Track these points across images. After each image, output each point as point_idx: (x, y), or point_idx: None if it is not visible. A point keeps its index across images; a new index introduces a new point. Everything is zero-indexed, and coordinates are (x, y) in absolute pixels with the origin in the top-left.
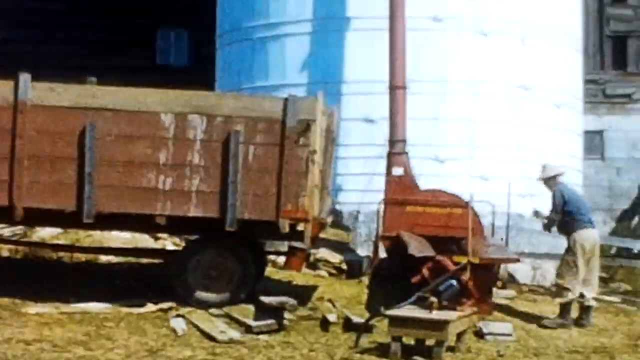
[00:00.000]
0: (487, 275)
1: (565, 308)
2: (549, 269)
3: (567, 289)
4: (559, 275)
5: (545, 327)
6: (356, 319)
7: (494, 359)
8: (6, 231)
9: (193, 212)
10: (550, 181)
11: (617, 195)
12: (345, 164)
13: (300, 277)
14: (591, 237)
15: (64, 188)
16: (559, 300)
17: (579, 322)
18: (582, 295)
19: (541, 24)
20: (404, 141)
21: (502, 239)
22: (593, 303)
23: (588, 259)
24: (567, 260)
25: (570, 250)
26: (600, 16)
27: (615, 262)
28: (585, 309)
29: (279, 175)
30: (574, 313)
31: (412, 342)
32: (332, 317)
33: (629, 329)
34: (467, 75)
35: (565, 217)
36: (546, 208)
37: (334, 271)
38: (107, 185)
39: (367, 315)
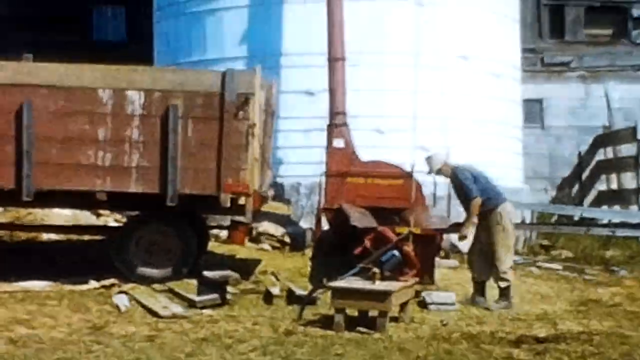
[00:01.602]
0: (429, 245)
1: (507, 290)
2: None
3: (506, 273)
4: (499, 260)
5: (491, 310)
6: (299, 291)
7: (438, 328)
8: None
9: (133, 188)
10: (442, 169)
11: (557, 163)
12: (286, 137)
13: (243, 250)
14: (513, 210)
15: (2, 166)
16: (501, 284)
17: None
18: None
19: None
20: (344, 113)
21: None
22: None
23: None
24: (506, 244)
25: (501, 227)
26: None
27: (557, 229)
28: (482, 286)
29: (219, 150)
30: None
31: (356, 313)
32: (275, 290)
33: (571, 295)
34: (406, 46)
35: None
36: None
37: (276, 244)
38: (45, 163)
39: (310, 287)
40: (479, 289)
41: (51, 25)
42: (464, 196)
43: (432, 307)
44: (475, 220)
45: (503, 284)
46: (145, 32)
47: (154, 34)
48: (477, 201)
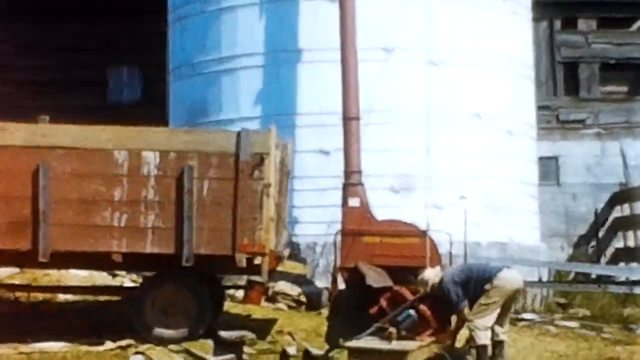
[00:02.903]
0: (445, 304)
1: (481, 351)
2: None
3: (476, 332)
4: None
5: None
6: (316, 351)
7: None
8: None
9: (149, 248)
10: (437, 285)
11: (573, 221)
12: (301, 196)
13: (260, 310)
14: (513, 277)
15: (19, 227)
16: (472, 344)
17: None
18: (493, 331)
19: (492, 52)
20: (359, 172)
21: None
22: (504, 337)
23: (508, 302)
24: (484, 303)
25: (487, 294)
26: (551, 42)
27: (573, 287)
28: (497, 345)
29: (234, 209)
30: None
31: None
32: (291, 350)
33: (589, 354)
34: (419, 105)
35: (470, 284)
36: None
37: (293, 304)
38: (62, 224)
39: (326, 347)
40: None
41: (67, 89)
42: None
43: None
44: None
45: (472, 342)
46: (160, 94)
47: (168, 95)
48: (464, 312)
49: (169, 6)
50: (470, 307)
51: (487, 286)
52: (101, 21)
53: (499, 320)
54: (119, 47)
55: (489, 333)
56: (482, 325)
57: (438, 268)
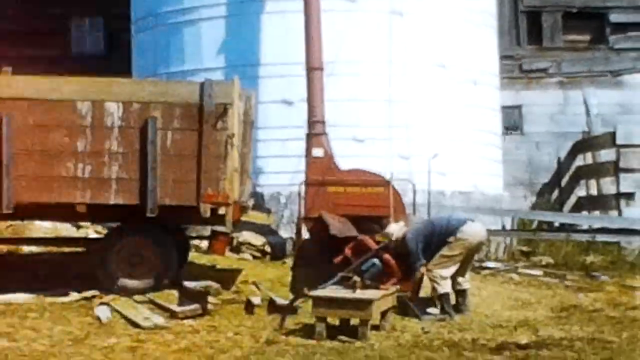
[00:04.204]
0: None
1: (443, 300)
2: None
3: (436, 282)
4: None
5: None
6: (280, 301)
7: (419, 336)
8: None
9: (113, 199)
10: (400, 240)
11: (537, 170)
12: (265, 147)
13: (224, 260)
14: (477, 230)
15: None
16: (434, 294)
17: (457, 308)
18: (455, 280)
19: (456, 3)
20: (323, 122)
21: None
22: (467, 286)
23: (471, 253)
24: (445, 254)
25: (450, 246)
26: None
27: (537, 235)
28: (460, 293)
29: (198, 160)
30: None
31: (337, 322)
32: (256, 300)
33: (552, 301)
34: (384, 55)
35: (434, 238)
36: (464, 185)
37: (257, 254)
38: (25, 175)
39: (291, 296)
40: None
41: (30, 40)
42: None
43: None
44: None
45: (434, 292)
46: (124, 45)
47: (132, 46)
48: (420, 270)
49: None
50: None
51: (451, 239)
52: None
53: (461, 271)
54: None
55: (449, 282)
56: (442, 275)
57: (402, 223)
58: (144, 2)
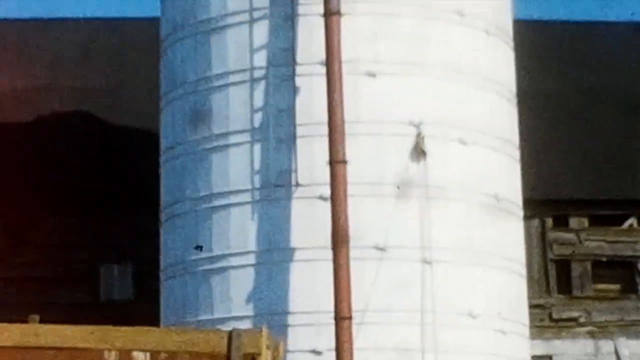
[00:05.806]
0: None
1: None
2: None
3: None
4: None
5: None
6: None
7: None
8: None
9: None
10: None
11: None
12: None
13: None
14: None
15: None
16: None
17: None
18: None
19: (485, 252)
20: None
21: None
22: None
23: None
24: None
25: None
26: (542, 240)
27: None
28: None
29: None
30: None
31: None
32: None
33: None
34: (413, 305)
35: None
36: None
37: None
38: None
39: None
40: None
41: (58, 286)
42: None
43: None
44: None
45: None
46: (152, 291)
47: (160, 293)
48: None
49: (161, 204)
50: None
51: None
52: (92, 217)
53: None
54: (110, 243)
55: None
56: None
57: None
58: (172, 249)
